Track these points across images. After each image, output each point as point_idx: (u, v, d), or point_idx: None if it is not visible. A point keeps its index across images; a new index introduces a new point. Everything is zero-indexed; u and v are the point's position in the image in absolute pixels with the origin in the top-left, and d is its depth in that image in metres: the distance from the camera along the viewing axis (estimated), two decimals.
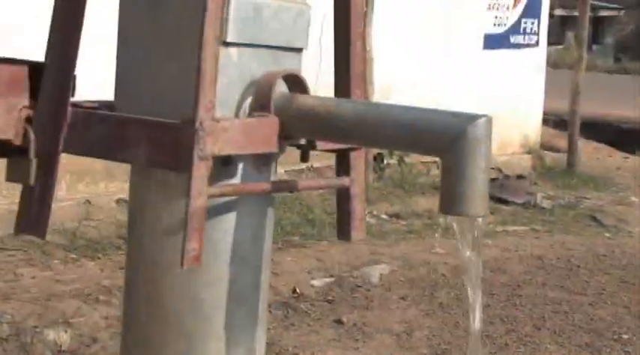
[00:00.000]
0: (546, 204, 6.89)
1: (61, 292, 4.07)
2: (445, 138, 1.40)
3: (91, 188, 5.45)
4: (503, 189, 6.94)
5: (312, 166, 6.24)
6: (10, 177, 1.61)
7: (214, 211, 1.48)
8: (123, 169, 5.71)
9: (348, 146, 1.66)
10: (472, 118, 1.39)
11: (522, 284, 4.72)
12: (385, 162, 7.07)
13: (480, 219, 1.44)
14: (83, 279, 4.29)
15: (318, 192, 5.96)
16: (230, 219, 1.52)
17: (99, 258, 4.68)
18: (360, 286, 4.53)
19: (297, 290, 4.38)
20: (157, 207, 1.52)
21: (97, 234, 5.07)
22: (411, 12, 7.25)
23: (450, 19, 7.57)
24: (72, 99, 1.60)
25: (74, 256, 4.69)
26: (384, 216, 6.17)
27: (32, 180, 1.57)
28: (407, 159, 7.14)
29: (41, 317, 3.73)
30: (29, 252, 4.63)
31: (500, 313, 4.26)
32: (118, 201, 5.46)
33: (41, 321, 3.70)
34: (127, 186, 5.55)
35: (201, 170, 1.40)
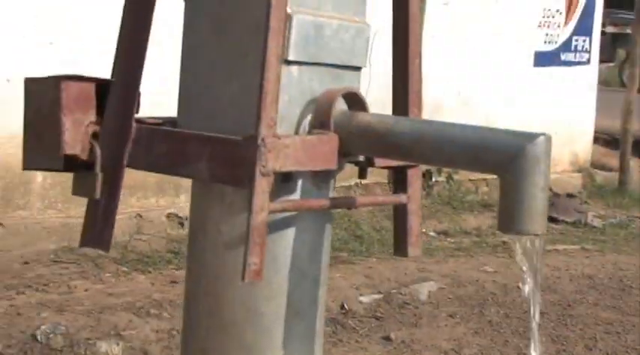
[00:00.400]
0: (597, 222, 6.81)
1: (113, 305, 4.12)
2: (504, 156, 1.41)
3: (142, 202, 5.51)
4: (553, 207, 6.87)
5: (360, 183, 6.24)
6: (77, 191, 1.65)
7: (274, 226, 1.51)
8: (174, 184, 5.75)
9: (406, 163, 1.67)
10: (531, 137, 1.40)
11: (573, 304, 4.67)
12: (434, 179, 7.04)
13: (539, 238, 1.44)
14: (134, 293, 4.34)
15: (367, 209, 5.96)
16: (290, 234, 1.55)
17: (149, 272, 4.73)
18: (408, 303, 4.52)
19: (346, 306, 4.38)
20: (219, 221, 1.55)
21: (147, 248, 5.12)
22: (460, 29, 7.24)
23: (500, 37, 7.54)
24: (136, 116, 1.64)
25: (125, 269, 4.74)
26: (432, 234, 6.15)
27: (98, 194, 1.61)
28: (455, 177, 7.11)
29: (94, 330, 3.79)
30: (82, 265, 4.70)
31: (551, 332, 4.22)
32: (168, 216, 5.52)
33: (94, 333, 3.75)
34: (177, 200, 5.53)
35: (263, 186, 1.43)
